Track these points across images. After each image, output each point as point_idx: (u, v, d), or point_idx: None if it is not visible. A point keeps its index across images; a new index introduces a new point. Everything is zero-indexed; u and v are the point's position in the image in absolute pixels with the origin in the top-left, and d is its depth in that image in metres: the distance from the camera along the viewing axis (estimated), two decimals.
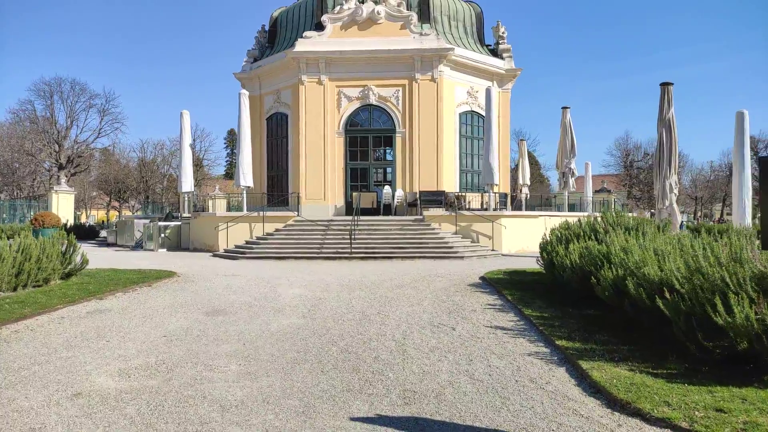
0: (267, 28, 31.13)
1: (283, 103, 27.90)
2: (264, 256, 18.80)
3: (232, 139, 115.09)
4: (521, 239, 21.36)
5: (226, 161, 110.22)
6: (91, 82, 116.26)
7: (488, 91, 23.73)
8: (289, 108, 27.49)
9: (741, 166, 18.96)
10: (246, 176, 23.65)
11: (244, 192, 23.88)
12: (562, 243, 10.03)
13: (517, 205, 27.61)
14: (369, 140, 26.55)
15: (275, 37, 30.37)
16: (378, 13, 25.90)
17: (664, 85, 17.83)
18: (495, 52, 29.47)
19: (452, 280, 12.72)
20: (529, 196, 32.28)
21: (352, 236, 19.06)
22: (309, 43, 26.02)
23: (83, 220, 68.44)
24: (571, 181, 26.82)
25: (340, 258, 18.35)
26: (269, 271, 14.78)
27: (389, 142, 26.43)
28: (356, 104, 26.23)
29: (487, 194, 26.01)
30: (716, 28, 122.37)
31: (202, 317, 8.65)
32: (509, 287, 10.87)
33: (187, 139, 28.33)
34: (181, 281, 12.79)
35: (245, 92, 24.67)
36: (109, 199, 77.27)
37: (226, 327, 7.93)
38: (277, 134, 28.70)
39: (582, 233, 10.10)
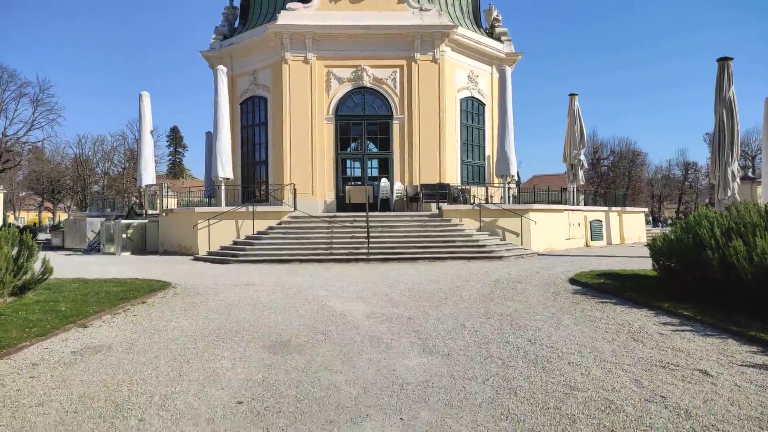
0: (237, 2, 27.48)
1: (260, 85, 24.34)
2: (262, 259, 15.44)
3: (175, 138, 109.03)
4: (547, 236, 18.95)
5: (169, 159, 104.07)
6: (21, 68, 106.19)
7: (503, 72, 21.34)
8: (268, 90, 23.98)
9: None
10: (225, 166, 20.13)
11: (222, 185, 20.34)
12: (734, 237, 7.45)
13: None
14: (363, 127, 23.45)
15: (248, 12, 26.73)
16: None
17: (723, 60, 15.81)
18: (491, 36, 27.04)
19: (538, 287, 9.99)
20: (518, 191, 30.06)
21: (369, 235, 16.01)
22: (293, 15, 22.67)
23: (11, 222, 61.64)
24: (581, 173, 24.73)
25: (356, 260, 15.27)
26: (287, 278, 11.55)
27: (386, 129, 23.37)
28: (348, 87, 23.08)
29: (493, 188, 23.71)
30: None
31: (268, 357, 5.47)
32: (650, 297, 8.25)
33: (148, 125, 24.49)
34: (183, 295, 9.40)
35: (223, 68, 21.10)
36: (41, 199, 70.12)
37: (326, 376, 4.82)
38: (253, 121, 25.10)
39: (759, 223, 7.56)
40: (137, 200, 33.21)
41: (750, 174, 48.00)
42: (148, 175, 23.47)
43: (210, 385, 4.62)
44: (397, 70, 23.15)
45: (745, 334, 5.88)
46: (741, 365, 4.98)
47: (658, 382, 4.54)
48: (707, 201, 57.81)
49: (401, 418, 3.85)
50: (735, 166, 15.60)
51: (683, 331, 6.36)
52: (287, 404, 4.16)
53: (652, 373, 4.80)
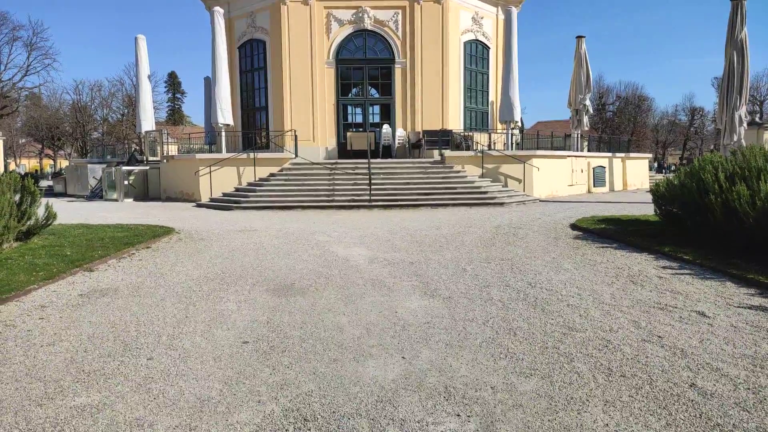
0: None
1: (259, 27, 23.65)
2: (264, 205, 15.49)
3: (173, 83, 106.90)
4: (550, 183, 18.89)
5: (168, 106, 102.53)
6: (13, 11, 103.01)
7: (508, 13, 20.64)
8: (266, 33, 23.32)
9: None
10: (224, 112, 19.86)
11: (222, 131, 20.13)
12: (738, 181, 7.42)
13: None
14: (364, 72, 22.97)
15: None
16: None
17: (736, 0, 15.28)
18: None
19: (539, 232, 10.04)
20: (521, 137, 29.70)
21: (371, 182, 15.97)
22: None
23: (12, 169, 61.51)
24: (585, 119, 24.37)
25: (357, 207, 15.30)
26: (290, 225, 11.62)
27: (387, 74, 22.89)
28: (348, 29, 22.43)
29: (496, 134, 23.45)
30: None
31: (272, 300, 5.57)
32: (650, 241, 8.30)
33: (145, 69, 24.04)
34: (187, 241, 9.48)
35: (219, 10, 20.45)
36: (41, 146, 69.68)
37: (329, 318, 4.92)
38: (251, 65, 24.55)
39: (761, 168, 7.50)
40: (137, 147, 32.96)
41: (757, 119, 47.28)
42: (148, 122, 23.25)
43: (216, 326, 4.72)
44: (399, 11, 22.44)
45: (743, 277, 5.95)
46: (738, 307, 5.06)
47: (656, 323, 4.63)
48: (712, 147, 57.31)
49: (403, 357, 3.95)
50: (743, 111, 15.36)
51: (682, 274, 6.44)
52: (292, 344, 4.26)
53: (650, 314, 4.89)
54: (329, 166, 18.06)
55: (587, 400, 3.23)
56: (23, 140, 70.47)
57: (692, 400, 3.20)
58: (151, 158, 21.39)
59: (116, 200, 18.89)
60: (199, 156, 18.93)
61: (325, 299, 5.56)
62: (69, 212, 14.11)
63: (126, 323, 4.82)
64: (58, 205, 11.54)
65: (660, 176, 29.23)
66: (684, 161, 62.42)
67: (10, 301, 5.45)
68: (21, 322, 4.85)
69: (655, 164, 49.44)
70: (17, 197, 8.66)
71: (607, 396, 3.28)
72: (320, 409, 3.17)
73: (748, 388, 3.35)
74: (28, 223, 8.66)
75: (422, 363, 3.84)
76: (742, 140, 15.35)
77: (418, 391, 3.37)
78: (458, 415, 3.07)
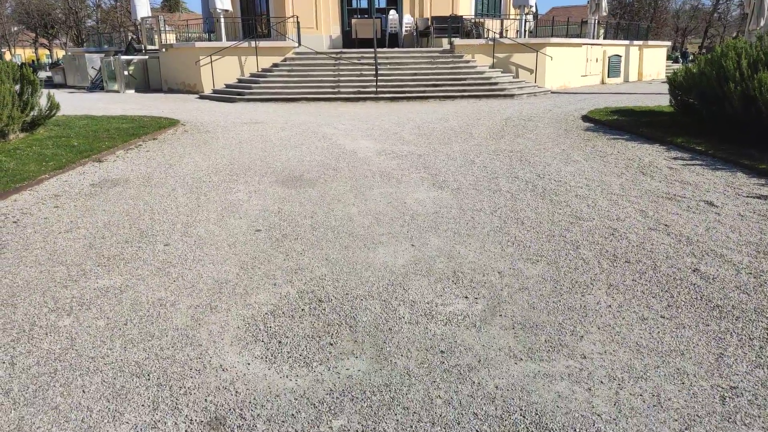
0: None
1: None
2: (268, 97, 15.16)
3: None
4: (563, 73, 18.24)
5: None
6: None
7: None
8: None
9: None
10: None
11: (222, 17, 19.19)
12: (762, 68, 7.12)
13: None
14: None
15: None
16: None
17: None
18: None
19: (549, 124, 9.86)
20: (535, 24, 28.17)
21: (377, 73, 15.46)
22: None
23: (8, 59, 59.78)
24: (604, 3, 22.97)
25: (363, 99, 14.95)
26: (296, 117, 11.44)
27: None
28: None
29: (509, 20, 22.31)
30: None
31: (282, 190, 5.61)
32: (663, 132, 8.16)
33: None
34: (193, 132, 9.39)
35: None
36: (35, 35, 67.13)
37: (339, 208, 4.98)
38: None
39: None
40: (134, 35, 31.70)
41: None
42: (143, 7, 22.16)
43: (228, 215, 4.80)
44: None
45: (754, 168, 5.91)
46: (747, 196, 5.07)
47: (663, 213, 4.67)
48: (735, 33, 54.50)
49: (412, 245, 4.05)
50: None
51: (693, 165, 6.39)
52: (303, 232, 4.35)
53: (658, 204, 4.92)
54: (334, 56, 17.41)
55: (591, 284, 3.34)
56: (15, 28, 67.78)
57: (694, 284, 3.30)
58: (149, 47, 20.63)
59: (118, 91, 18.49)
60: (198, 44, 18.23)
61: (334, 190, 5.60)
62: (71, 103, 13.88)
63: (140, 212, 4.90)
64: (59, 96, 11.30)
65: (678, 66, 28.11)
66: (704, 50, 59.68)
67: (23, 190, 5.52)
68: (37, 210, 4.95)
69: (677, 54, 47.04)
70: (17, 87, 8.48)
71: (611, 280, 3.39)
72: (333, 291, 3.30)
73: (750, 273, 3.44)
74: (32, 113, 8.56)
75: (431, 250, 3.93)
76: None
77: (427, 276, 3.49)
78: (466, 297, 3.19)
